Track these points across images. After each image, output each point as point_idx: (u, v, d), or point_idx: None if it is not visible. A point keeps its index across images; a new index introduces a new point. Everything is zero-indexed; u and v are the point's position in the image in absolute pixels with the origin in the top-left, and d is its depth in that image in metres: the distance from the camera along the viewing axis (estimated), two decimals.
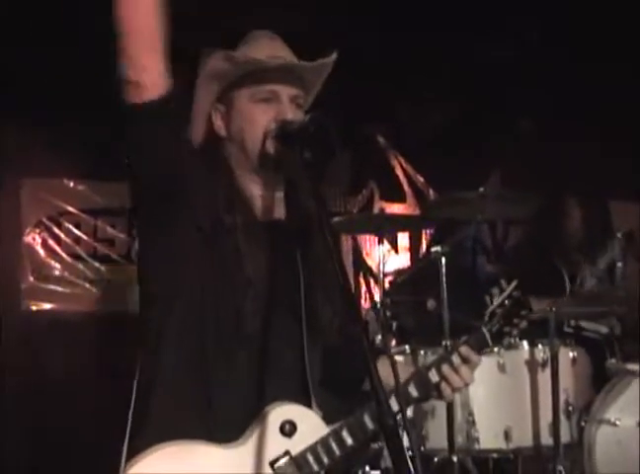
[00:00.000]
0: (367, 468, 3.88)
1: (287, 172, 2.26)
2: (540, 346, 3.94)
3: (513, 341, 3.87)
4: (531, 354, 3.94)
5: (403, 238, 6.34)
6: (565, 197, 5.07)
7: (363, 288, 5.60)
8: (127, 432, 2.15)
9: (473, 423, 3.88)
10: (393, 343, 4.38)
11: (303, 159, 2.05)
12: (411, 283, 4.90)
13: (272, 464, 2.08)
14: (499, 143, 6.16)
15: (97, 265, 5.57)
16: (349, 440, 2.14)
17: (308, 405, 2.16)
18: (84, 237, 5.56)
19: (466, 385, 2.30)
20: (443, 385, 2.27)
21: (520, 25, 5.78)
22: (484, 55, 5.79)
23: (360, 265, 5.88)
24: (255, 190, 2.30)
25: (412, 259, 6.31)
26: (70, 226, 5.55)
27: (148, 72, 2.03)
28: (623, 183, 5.94)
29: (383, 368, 1.89)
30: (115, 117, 2.06)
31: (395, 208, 6.30)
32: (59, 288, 5.49)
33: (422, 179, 6.39)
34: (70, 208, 5.55)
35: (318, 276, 2.26)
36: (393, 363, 2.03)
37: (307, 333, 2.23)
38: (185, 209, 2.16)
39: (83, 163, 5.32)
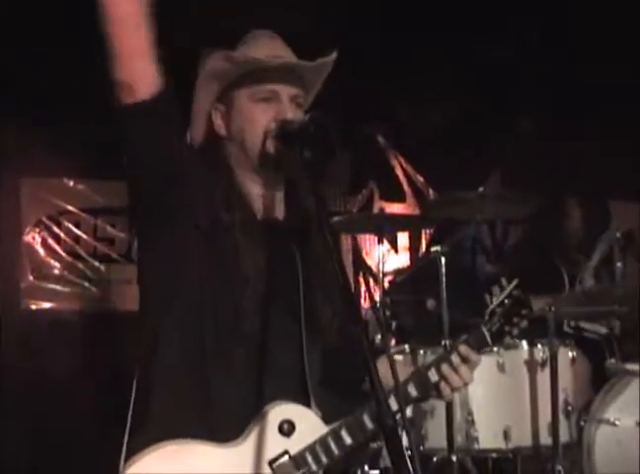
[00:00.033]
0: (366, 468, 3.88)
1: (287, 171, 2.26)
2: (540, 345, 3.93)
3: (512, 340, 3.87)
4: (531, 353, 3.94)
5: (403, 238, 6.34)
6: (565, 196, 5.07)
7: (363, 288, 5.59)
8: (127, 431, 2.15)
9: (472, 422, 3.88)
10: (393, 342, 4.38)
11: (303, 159, 2.05)
12: (410, 283, 4.90)
13: (270, 464, 2.08)
14: (499, 143, 6.16)
15: (97, 264, 5.57)
16: (348, 440, 2.14)
17: (307, 404, 2.16)
18: (84, 236, 5.56)
19: (466, 385, 2.29)
20: (443, 385, 2.27)
21: (520, 25, 5.78)
22: (484, 55, 5.79)
23: (360, 264, 5.87)
24: (255, 189, 2.30)
25: (411, 258, 6.31)
26: (70, 225, 5.55)
27: (138, 72, 2.03)
28: (623, 183, 5.93)
29: (382, 368, 1.89)
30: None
31: (395, 208, 6.30)
32: (59, 288, 5.48)
33: (422, 179, 6.39)
34: (70, 208, 5.54)
35: (318, 275, 2.26)
36: (392, 363, 2.03)
37: (306, 332, 2.23)
38: (183, 208, 2.16)
39: (83, 162, 5.31)
